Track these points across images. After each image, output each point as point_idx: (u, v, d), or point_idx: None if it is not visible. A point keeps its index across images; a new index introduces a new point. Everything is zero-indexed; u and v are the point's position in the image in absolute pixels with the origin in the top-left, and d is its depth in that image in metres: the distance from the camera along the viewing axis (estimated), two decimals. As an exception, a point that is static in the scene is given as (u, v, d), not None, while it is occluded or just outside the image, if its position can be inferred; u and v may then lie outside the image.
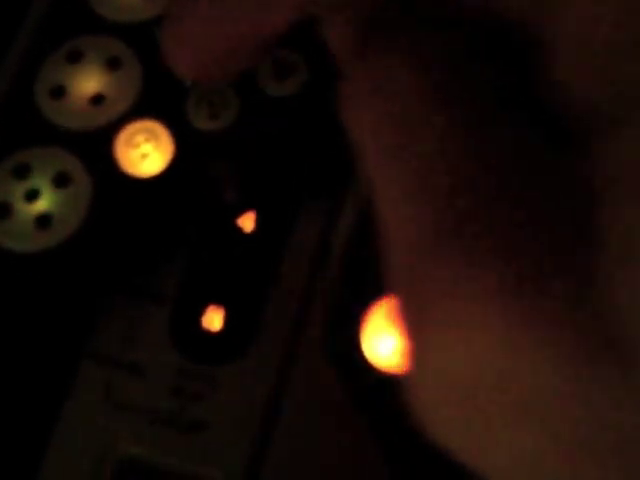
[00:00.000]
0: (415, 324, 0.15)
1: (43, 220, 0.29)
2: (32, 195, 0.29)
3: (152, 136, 0.29)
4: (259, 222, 0.30)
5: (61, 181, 0.29)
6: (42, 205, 0.29)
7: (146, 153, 0.29)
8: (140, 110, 0.30)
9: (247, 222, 0.30)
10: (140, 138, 0.29)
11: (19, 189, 0.29)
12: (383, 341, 0.28)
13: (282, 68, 0.29)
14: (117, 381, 0.29)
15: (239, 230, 0.30)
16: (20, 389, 0.29)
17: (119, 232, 0.29)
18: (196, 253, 0.30)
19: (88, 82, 0.30)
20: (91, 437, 0.28)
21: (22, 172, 0.29)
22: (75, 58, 0.31)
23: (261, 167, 0.30)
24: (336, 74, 0.28)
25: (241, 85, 0.30)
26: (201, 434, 0.28)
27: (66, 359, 0.29)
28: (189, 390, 0.28)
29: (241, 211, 0.30)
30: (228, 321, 0.29)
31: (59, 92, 0.30)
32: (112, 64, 0.31)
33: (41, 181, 0.29)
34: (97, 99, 0.30)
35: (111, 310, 0.29)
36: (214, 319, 0.29)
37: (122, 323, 0.29)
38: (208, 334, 0.29)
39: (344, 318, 0.29)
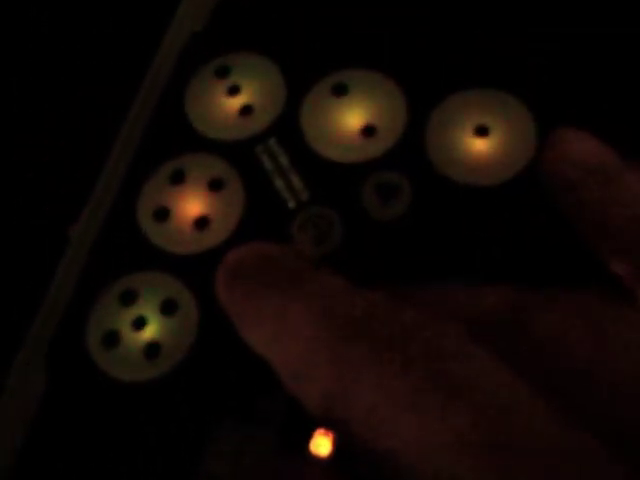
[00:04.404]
0: None
1: (151, 349, 0.29)
2: (139, 323, 0.29)
3: (258, 261, 0.29)
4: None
5: (168, 308, 0.29)
6: (150, 333, 0.29)
7: (252, 279, 0.29)
8: (245, 232, 0.30)
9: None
10: (246, 264, 0.29)
11: (126, 316, 0.29)
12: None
13: (387, 191, 0.29)
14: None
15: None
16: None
17: (227, 358, 0.29)
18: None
19: (192, 204, 0.30)
20: None
21: (129, 299, 0.29)
22: (178, 178, 0.31)
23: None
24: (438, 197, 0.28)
25: (345, 208, 0.29)
26: None
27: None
28: (300, 519, 0.28)
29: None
30: (337, 446, 0.29)
31: (163, 214, 0.30)
32: (215, 185, 0.31)
33: (148, 308, 0.29)
34: (201, 222, 0.30)
35: (219, 433, 0.29)
36: (322, 443, 0.29)
37: (230, 447, 0.29)
38: (316, 460, 0.29)
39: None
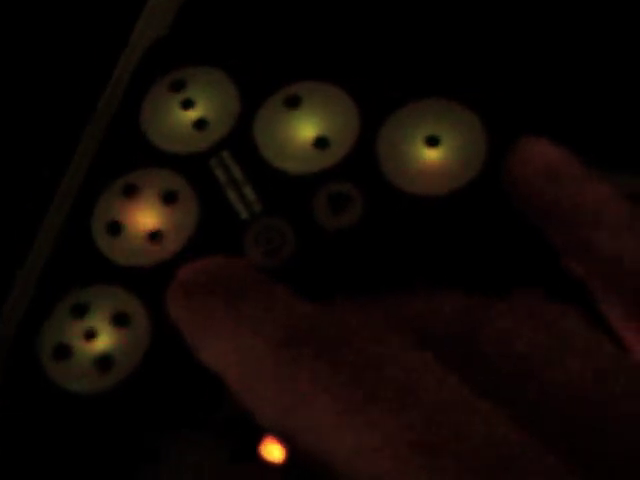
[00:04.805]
0: None
1: (103, 361, 0.29)
2: (91, 335, 0.29)
3: (210, 273, 0.29)
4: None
5: (120, 320, 0.29)
6: (101, 345, 0.29)
7: (204, 291, 0.29)
8: (197, 245, 0.30)
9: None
10: (198, 276, 0.29)
11: (78, 329, 0.29)
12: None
13: (338, 202, 0.29)
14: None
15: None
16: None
17: (179, 370, 0.29)
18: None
19: (145, 217, 0.30)
20: None
21: (80, 311, 0.29)
22: (131, 192, 0.31)
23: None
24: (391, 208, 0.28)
25: (298, 219, 0.29)
26: None
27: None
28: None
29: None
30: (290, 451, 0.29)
31: (116, 228, 0.30)
32: (168, 198, 0.31)
33: (99, 321, 0.29)
34: (154, 235, 0.30)
35: (174, 444, 0.29)
36: (274, 449, 0.29)
37: (181, 457, 0.29)
38: (268, 465, 0.29)
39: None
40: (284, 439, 0.20)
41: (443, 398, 0.18)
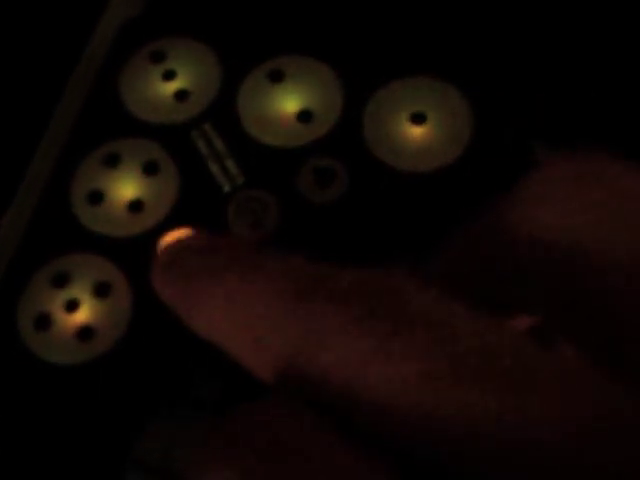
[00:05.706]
0: None
1: (84, 331, 0.28)
2: (72, 305, 0.29)
3: (193, 245, 0.29)
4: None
5: (101, 290, 0.29)
6: (82, 316, 0.28)
7: (188, 262, 0.29)
8: (179, 216, 0.30)
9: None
10: (181, 247, 0.29)
11: (58, 299, 0.29)
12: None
13: (323, 176, 0.29)
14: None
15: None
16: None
17: (161, 341, 0.28)
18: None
19: (126, 187, 0.30)
20: None
21: (61, 281, 0.29)
22: (112, 162, 0.31)
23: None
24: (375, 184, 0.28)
25: (282, 192, 0.29)
26: None
27: (110, 470, 0.28)
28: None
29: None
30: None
31: (96, 198, 0.30)
32: (149, 168, 0.30)
33: (81, 291, 0.29)
34: (135, 205, 0.30)
35: (154, 417, 0.29)
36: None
37: (165, 430, 0.29)
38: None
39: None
40: (293, 388, 0.19)
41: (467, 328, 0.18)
